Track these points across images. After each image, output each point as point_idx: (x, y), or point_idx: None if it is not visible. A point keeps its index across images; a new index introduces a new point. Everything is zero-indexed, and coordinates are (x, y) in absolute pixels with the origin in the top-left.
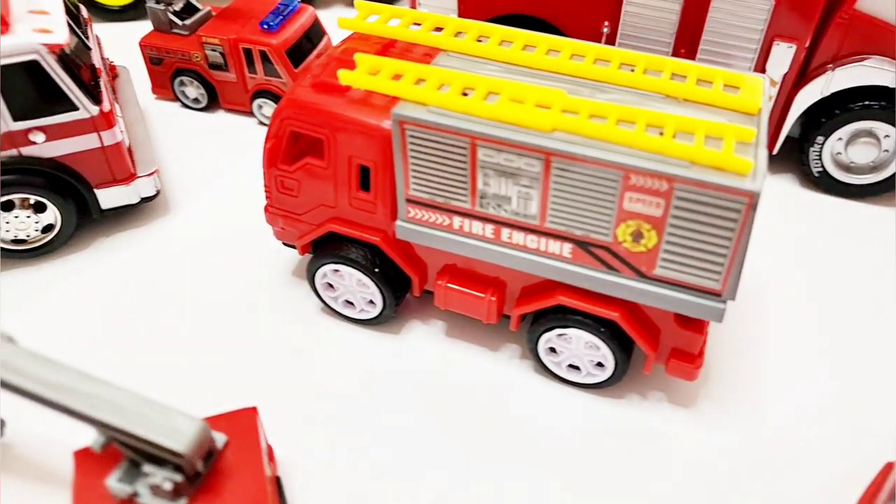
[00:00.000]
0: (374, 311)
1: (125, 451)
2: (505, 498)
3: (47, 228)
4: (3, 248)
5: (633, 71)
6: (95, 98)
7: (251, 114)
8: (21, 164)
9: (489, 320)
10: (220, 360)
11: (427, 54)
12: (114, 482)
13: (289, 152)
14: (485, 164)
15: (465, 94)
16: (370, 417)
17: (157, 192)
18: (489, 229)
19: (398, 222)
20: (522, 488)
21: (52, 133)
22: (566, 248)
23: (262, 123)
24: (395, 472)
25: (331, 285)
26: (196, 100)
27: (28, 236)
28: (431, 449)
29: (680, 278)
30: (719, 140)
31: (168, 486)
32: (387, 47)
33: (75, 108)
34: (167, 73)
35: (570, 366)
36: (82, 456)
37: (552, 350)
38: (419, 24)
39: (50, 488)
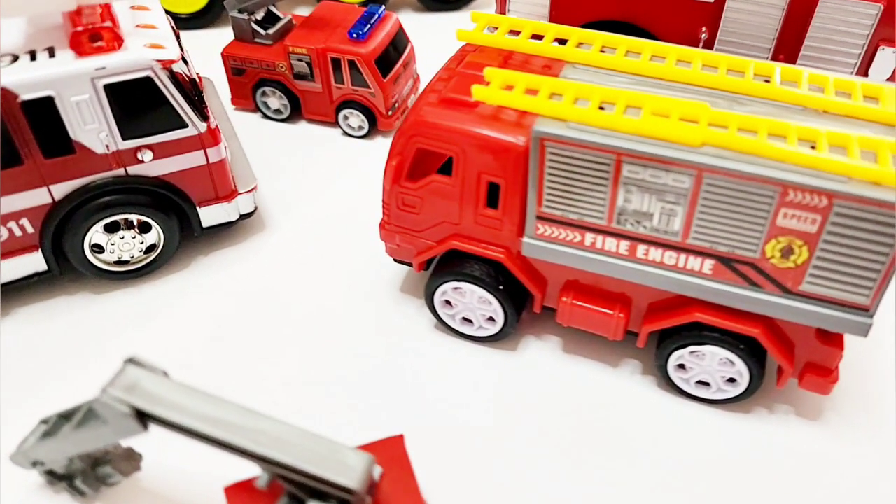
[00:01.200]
0: (492, 329)
1: (288, 487)
2: None
3: (150, 248)
4: (105, 271)
5: (768, 82)
6: (203, 114)
7: (334, 124)
8: (128, 184)
9: (615, 337)
10: (333, 381)
11: (547, 66)
12: None
13: (411, 170)
14: (628, 180)
15: (601, 108)
16: (497, 439)
17: (255, 209)
18: (624, 246)
19: (525, 239)
20: (654, 491)
21: (160, 151)
22: (707, 265)
23: (346, 134)
24: (528, 495)
25: (448, 302)
26: (278, 111)
27: (132, 257)
28: (562, 469)
29: (827, 294)
30: (872, 153)
31: None
32: (506, 59)
33: (184, 126)
34: (249, 84)
35: (699, 382)
36: (234, 491)
37: (680, 366)
38: (539, 36)
39: None
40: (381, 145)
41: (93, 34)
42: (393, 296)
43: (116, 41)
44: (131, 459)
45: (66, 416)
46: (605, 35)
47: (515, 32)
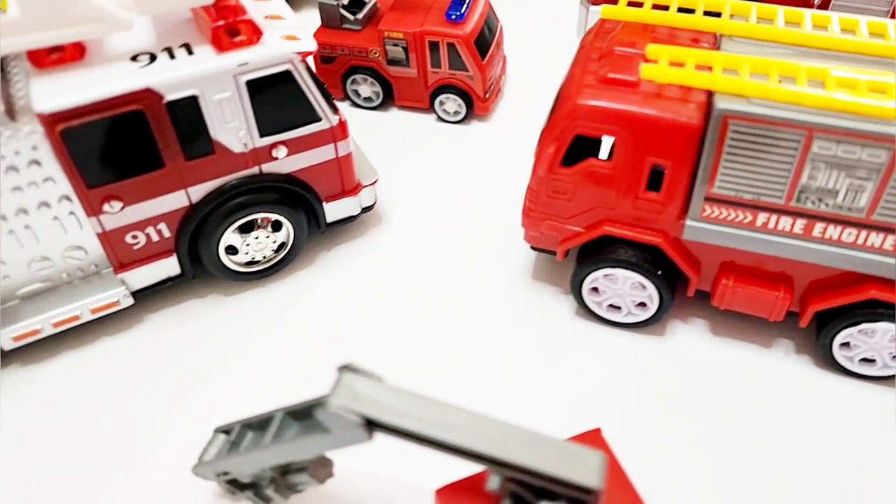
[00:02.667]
0: (643, 315)
1: (512, 488)
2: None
3: (279, 247)
4: (237, 272)
5: None
6: (333, 107)
7: (428, 110)
8: (262, 182)
9: (776, 318)
10: (480, 375)
11: (694, 39)
12: None
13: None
14: (818, 156)
15: (782, 84)
16: (659, 426)
17: (375, 202)
18: (800, 225)
19: (689, 222)
20: (821, 471)
21: (294, 147)
22: (890, 241)
23: (441, 120)
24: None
25: (596, 289)
26: (368, 98)
27: (264, 257)
28: (734, 457)
29: None
30: None
31: None
32: (653, 34)
33: (318, 119)
34: (339, 71)
35: (864, 359)
36: (445, 494)
37: (844, 344)
38: (688, 9)
39: None
40: (477, 129)
41: (231, 28)
42: (526, 283)
43: (255, 35)
44: (325, 466)
45: (249, 425)
46: (759, 5)
47: (659, 7)
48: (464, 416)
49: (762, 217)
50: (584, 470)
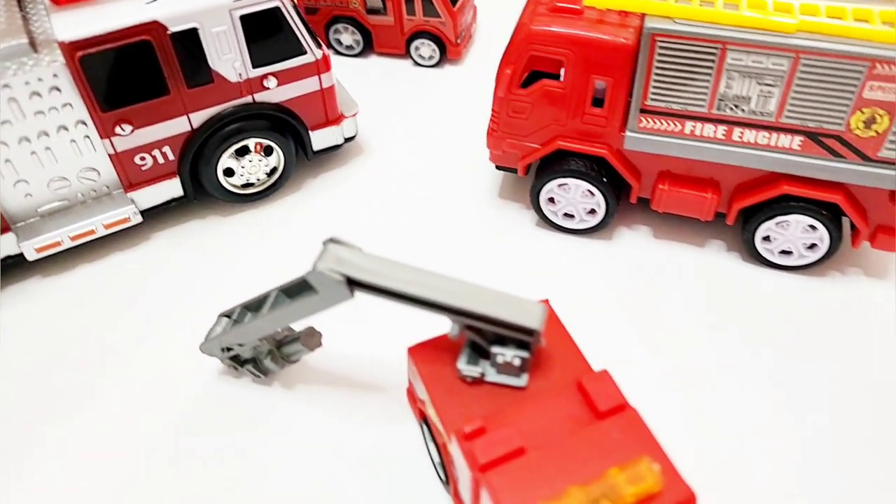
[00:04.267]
0: (593, 221)
1: (473, 337)
2: (739, 370)
3: (271, 172)
4: (234, 193)
5: None
6: (318, 42)
7: (405, 56)
8: (255, 109)
9: (706, 217)
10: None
11: None
12: (464, 365)
13: (522, 78)
14: (731, 67)
15: (702, 6)
16: (606, 313)
17: (356, 133)
18: (721, 130)
19: (628, 133)
20: (749, 355)
21: (283, 78)
22: (796, 141)
23: (417, 64)
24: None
25: (552, 200)
26: (350, 46)
27: (258, 180)
28: (656, 319)
29: None
30: None
31: (518, 362)
32: None
33: (304, 53)
34: (322, 22)
35: (783, 251)
36: (416, 351)
37: (765, 238)
38: None
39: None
40: (450, 73)
41: None
42: (493, 202)
43: None
44: (314, 337)
45: (249, 307)
46: None
47: None
48: (430, 275)
49: (689, 125)
50: (527, 315)
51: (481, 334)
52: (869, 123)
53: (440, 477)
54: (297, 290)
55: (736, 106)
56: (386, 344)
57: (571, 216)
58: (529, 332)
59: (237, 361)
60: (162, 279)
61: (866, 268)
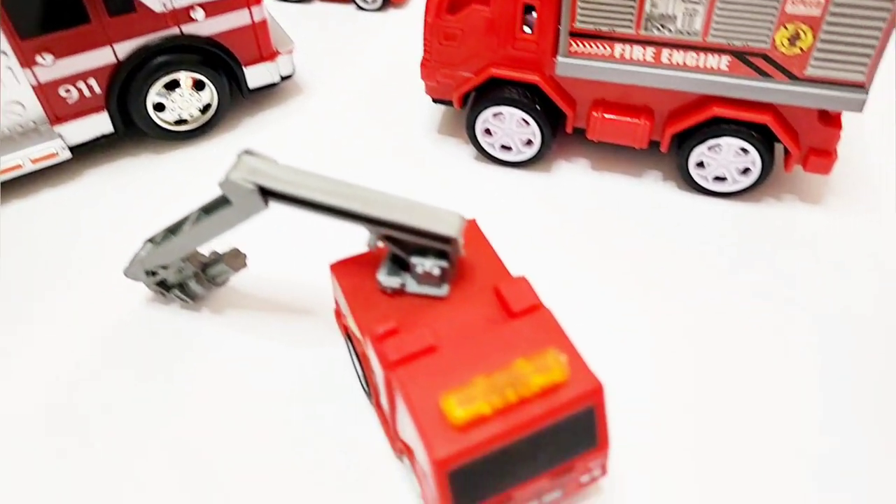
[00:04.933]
0: (530, 152)
1: (392, 248)
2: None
3: (205, 109)
4: (167, 130)
5: None
6: None
7: (348, 1)
8: (183, 42)
9: (641, 145)
10: None
11: None
12: (383, 276)
13: (450, 4)
14: None
15: None
16: (544, 240)
17: (293, 71)
18: (650, 53)
19: (559, 58)
20: (684, 273)
21: (211, 10)
22: (724, 61)
23: (360, 9)
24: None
25: (488, 131)
26: None
27: (190, 116)
28: (593, 249)
29: (829, 75)
30: None
31: (437, 271)
32: None
33: None
34: None
35: (716, 177)
36: (338, 267)
37: (699, 165)
38: None
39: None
40: (394, 16)
41: None
42: (432, 137)
43: None
44: (238, 258)
45: (172, 230)
46: None
47: None
48: (345, 185)
49: (618, 48)
50: (443, 223)
51: (400, 245)
52: (793, 40)
53: (364, 390)
54: (215, 205)
55: (662, 26)
56: (316, 268)
57: (509, 148)
58: (446, 240)
59: (164, 287)
60: (93, 215)
61: (801, 193)
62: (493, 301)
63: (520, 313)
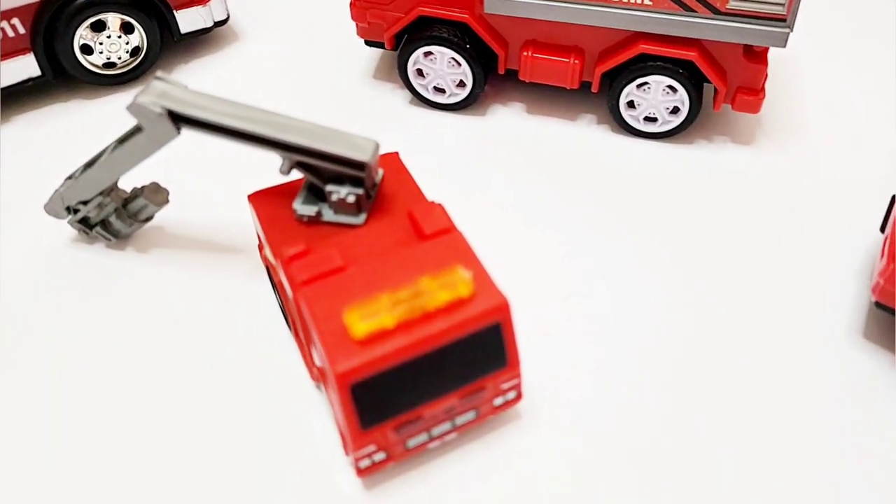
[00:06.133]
0: (463, 94)
1: (307, 176)
2: (600, 228)
3: (134, 52)
4: (96, 73)
5: None
6: None
7: None
8: None
9: (572, 85)
10: None
11: None
12: (299, 205)
13: None
14: None
15: None
16: (475, 184)
17: (228, 17)
18: None
19: None
20: (615, 215)
21: None
22: None
23: None
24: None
25: (421, 72)
26: None
27: (119, 58)
28: (525, 191)
29: (750, 8)
30: None
31: (352, 199)
32: None
33: None
34: None
35: (647, 118)
36: (256, 198)
37: (630, 105)
38: None
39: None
40: None
41: None
42: (367, 83)
43: None
44: (159, 192)
45: (90, 164)
46: None
47: None
48: (257, 111)
49: None
50: (356, 149)
51: (316, 173)
52: None
53: (286, 323)
54: (129, 135)
55: None
56: (243, 203)
57: (442, 90)
58: (360, 165)
59: (87, 225)
60: (21, 160)
61: (734, 135)
62: (408, 225)
63: (431, 235)
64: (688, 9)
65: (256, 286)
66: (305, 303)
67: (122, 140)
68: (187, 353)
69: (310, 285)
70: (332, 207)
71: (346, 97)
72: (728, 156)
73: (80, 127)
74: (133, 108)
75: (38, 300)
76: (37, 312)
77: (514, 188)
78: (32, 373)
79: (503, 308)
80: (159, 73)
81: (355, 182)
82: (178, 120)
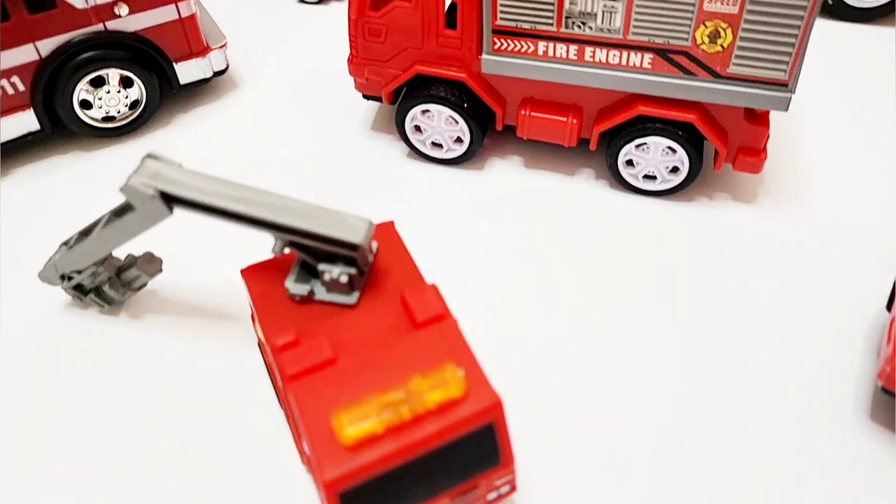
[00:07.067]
0: (460, 149)
1: (300, 255)
2: (596, 282)
3: (134, 105)
4: (95, 127)
5: None
6: None
7: None
8: (108, 39)
9: (570, 143)
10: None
11: None
12: (291, 284)
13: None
14: None
15: None
16: (474, 241)
17: (227, 67)
18: (573, 50)
19: (484, 56)
20: (614, 274)
21: (135, 6)
22: (647, 59)
23: (301, 1)
24: (490, 268)
25: (418, 128)
26: None
27: (118, 112)
28: (522, 247)
29: (751, 73)
30: None
31: (344, 279)
32: None
33: None
34: None
35: (646, 176)
36: (249, 272)
37: (629, 163)
38: None
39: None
40: (335, 8)
41: None
42: (365, 133)
43: None
44: (153, 262)
45: (85, 233)
46: None
47: None
48: (249, 190)
49: (542, 45)
50: (349, 230)
51: (308, 251)
52: (714, 38)
53: (277, 397)
54: (124, 209)
55: (583, 23)
56: (235, 270)
57: (440, 145)
58: (352, 246)
59: (81, 291)
60: (19, 214)
61: (735, 193)
62: (400, 309)
63: (424, 323)
64: (688, 72)
65: (248, 356)
66: (295, 399)
67: (117, 213)
68: (178, 425)
69: (300, 380)
70: (324, 286)
71: (344, 148)
72: (729, 214)
73: (78, 179)
74: (126, 190)
75: (31, 365)
76: (28, 378)
77: (511, 243)
78: (21, 439)
79: (496, 408)
80: (151, 152)
81: (348, 261)
82: (171, 200)
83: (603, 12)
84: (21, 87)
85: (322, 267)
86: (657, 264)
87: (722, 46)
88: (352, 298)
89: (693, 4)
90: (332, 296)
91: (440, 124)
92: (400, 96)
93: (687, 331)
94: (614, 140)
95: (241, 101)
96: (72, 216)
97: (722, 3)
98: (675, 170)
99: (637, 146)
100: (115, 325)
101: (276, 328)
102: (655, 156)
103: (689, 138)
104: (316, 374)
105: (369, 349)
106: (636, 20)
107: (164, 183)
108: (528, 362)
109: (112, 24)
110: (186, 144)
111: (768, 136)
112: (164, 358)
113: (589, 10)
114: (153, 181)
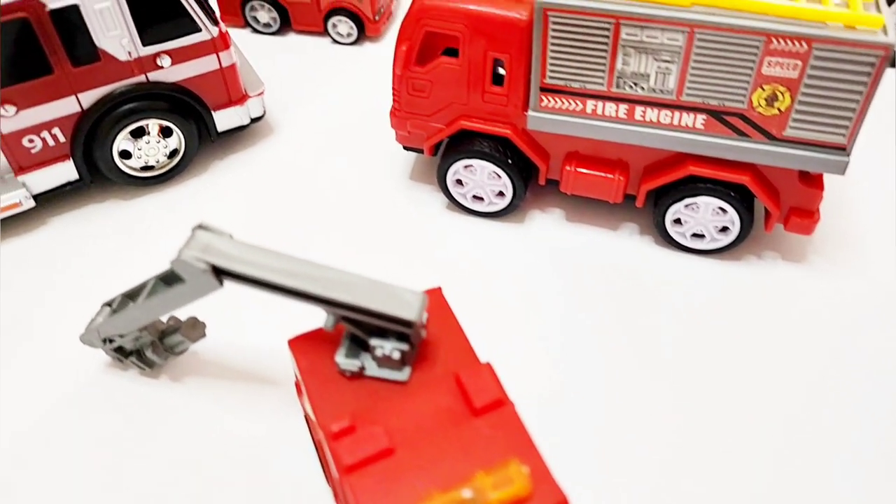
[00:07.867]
0: (502, 203)
1: (351, 329)
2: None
3: (172, 153)
4: (133, 177)
5: None
6: (213, 19)
7: (324, 34)
8: (150, 90)
9: (615, 200)
10: (359, 262)
11: None
12: (342, 359)
13: (420, 54)
14: (626, 42)
15: None
16: (517, 298)
17: (264, 113)
18: (623, 109)
19: (530, 112)
20: (660, 333)
21: (177, 56)
22: (699, 120)
23: (336, 42)
24: (534, 337)
25: (460, 182)
26: (267, 24)
27: (157, 162)
28: (576, 317)
29: (809, 137)
30: (844, 1)
31: (397, 355)
32: None
33: (198, 30)
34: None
35: (694, 234)
36: (296, 344)
37: (677, 222)
38: None
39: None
40: (370, 50)
41: None
42: (404, 183)
43: None
44: (197, 328)
45: (130, 296)
46: None
47: None
48: (301, 264)
49: (590, 104)
50: (404, 306)
51: (360, 326)
52: (771, 101)
53: (322, 468)
54: (173, 278)
55: (635, 84)
56: (279, 336)
57: (481, 199)
58: (407, 323)
59: (122, 353)
60: (58, 265)
61: (784, 252)
62: (455, 390)
63: (482, 409)
64: (742, 134)
65: (291, 424)
66: (353, 493)
67: (164, 280)
68: (216, 492)
69: (357, 471)
70: (375, 361)
71: (382, 198)
72: (778, 275)
73: (117, 228)
74: (177, 264)
75: (65, 430)
76: (62, 443)
77: (552, 300)
78: (57, 500)
79: None
80: (202, 223)
81: (400, 336)
82: (222, 274)
83: (657, 73)
84: (62, 139)
85: (374, 342)
86: (704, 326)
87: (779, 110)
88: (403, 374)
89: (751, 68)
90: (384, 371)
91: (483, 178)
92: (441, 148)
93: (732, 396)
94: (662, 198)
95: (276, 146)
96: (111, 264)
97: (782, 68)
98: (724, 229)
99: (686, 205)
100: (155, 387)
101: (328, 410)
102: (705, 215)
103: (741, 199)
104: (374, 466)
105: (427, 438)
106: (691, 82)
107: (216, 256)
108: (577, 429)
109: (154, 75)
110: (222, 192)
111: (821, 198)
112: (204, 424)
113: (642, 70)
114: (204, 255)
